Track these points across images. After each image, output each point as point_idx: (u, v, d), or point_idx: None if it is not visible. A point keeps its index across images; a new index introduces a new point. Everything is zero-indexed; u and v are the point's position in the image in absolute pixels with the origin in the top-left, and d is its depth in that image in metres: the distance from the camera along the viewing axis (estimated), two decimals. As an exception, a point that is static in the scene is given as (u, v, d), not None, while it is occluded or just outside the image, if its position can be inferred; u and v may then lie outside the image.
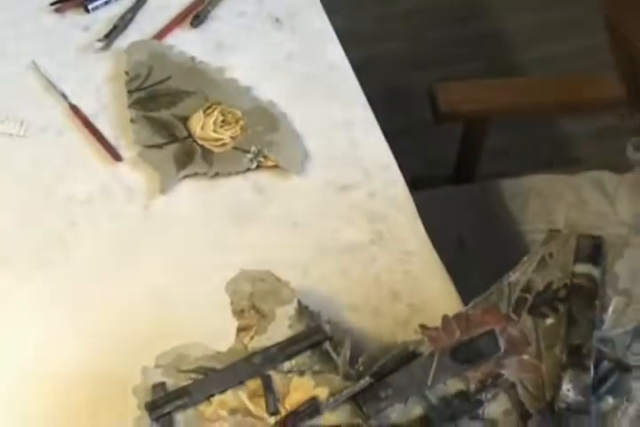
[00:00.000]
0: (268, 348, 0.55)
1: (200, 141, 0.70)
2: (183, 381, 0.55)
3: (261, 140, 0.71)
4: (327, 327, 0.56)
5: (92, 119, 0.73)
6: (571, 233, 0.58)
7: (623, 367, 0.52)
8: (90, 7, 0.79)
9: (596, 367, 0.52)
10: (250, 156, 0.70)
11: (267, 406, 0.53)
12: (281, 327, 0.57)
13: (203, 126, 0.70)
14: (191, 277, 0.65)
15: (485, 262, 0.63)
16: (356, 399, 0.53)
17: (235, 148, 0.70)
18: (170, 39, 0.78)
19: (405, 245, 0.67)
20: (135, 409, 0.54)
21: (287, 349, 0.55)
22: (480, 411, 0.52)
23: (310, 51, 0.78)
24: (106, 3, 0.80)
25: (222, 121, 0.71)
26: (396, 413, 0.53)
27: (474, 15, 1.47)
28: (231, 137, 0.70)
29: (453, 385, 0.53)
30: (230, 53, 0.77)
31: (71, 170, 0.71)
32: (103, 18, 0.79)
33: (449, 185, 0.93)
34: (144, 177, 0.70)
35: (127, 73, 0.74)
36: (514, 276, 0.57)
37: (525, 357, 0.54)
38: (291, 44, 0.79)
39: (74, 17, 0.79)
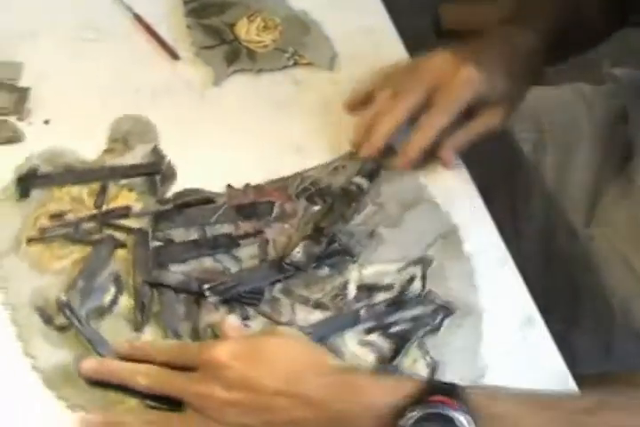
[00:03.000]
0: (116, 166, 0.73)
1: (245, 43, 0.84)
2: (53, 171, 0.73)
3: (297, 42, 0.84)
4: (164, 166, 0.73)
5: (154, 27, 0.85)
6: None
7: (347, 253, 0.68)
8: None
9: (329, 246, 0.69)
10: (287, 55, 0.83)
11: (96, 200, 0.71)
12: (135, 157, 0.74)
13: (247, 31, 0.84)
14: (236, 151, 0.76)
15: (481, 151, 0.74)
16: (156, 216, 0.70)
17: (275, 48, 0.84)
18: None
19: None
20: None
21: (128, 170, 0.72)
22: (234, 251, 0.68)
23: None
24: None
25: (264, 26, 0.85)
26: (178, 233, 0.69)
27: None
28: (271, 40, 0.84)
29: (226, 228, 0.69)
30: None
31: (138, 68, 0.81)
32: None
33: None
34: (199, 72, 0.82)
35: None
36: (310, 172, 0.73)
37: (287, 226, 0.70)
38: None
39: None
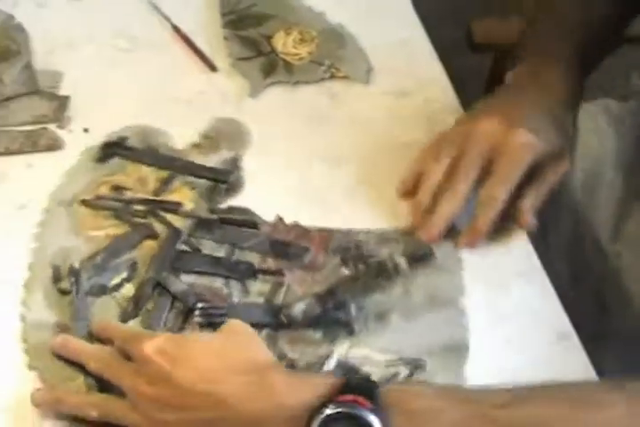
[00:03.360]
0: (192, 163, 0.74)
1: (282, 56, 0.84)
2: (138, 146, 0.76)
3: (333, 55, 0.84)
4: (234, 178, 0.74)
5: (191, 38, 0.85)
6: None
7: (347, 326, 0.65)
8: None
9: (334, 311, 0.66)
10: (324, 68, 0.83)
11: (157, 187, 0.73)
12: (215, 159, 0.75)
13: (284, 43, 0.84)
14: (272, 163, 0.77)
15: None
16: (199, 222, 0.71)
17: (311, 61, 0.84)
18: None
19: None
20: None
21: (201, 170, 0.74)
22: (248, 282, 0.68)
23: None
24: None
25: (300, 39, 0.85)
26: (209, 245, 0.70)
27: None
28: (308, 52, 0.84)
29: (253, 257, 0.69)
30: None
31: (174, 78, 0.82)
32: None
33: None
34: (236, 84, 0.83)
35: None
36: (361, 234, 0.71)
37: (309, 277, 0.69)
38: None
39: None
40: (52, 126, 0.77)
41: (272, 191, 0.74)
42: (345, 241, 0.70)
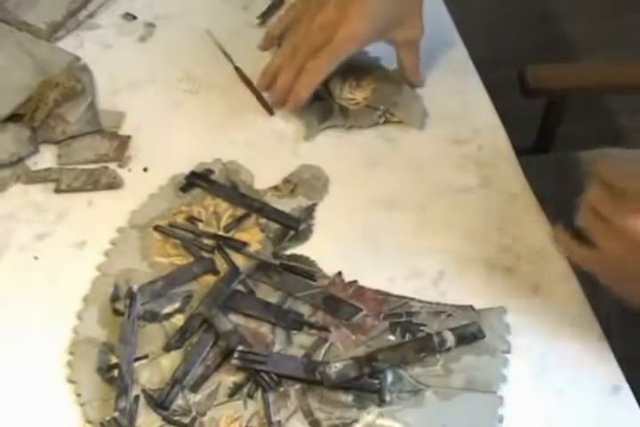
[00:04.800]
0: (268, 205, 0.75)
1: (338, 100, 0.83)
2: (220, 180, 0.78)
3: (388, 101, 0.83)
4: (303, 227, 0.74)
5: (252, 81, 0.84)
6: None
7: (380, 395, 0.64)
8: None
9: (369, 377, 0.65)
10: (379, 113, 0.82)
11: (228, 224, 0.74)
12: (290, 205, 0.75)
13: (340, 89, 0.83)
14: (327, 205, 0.77)
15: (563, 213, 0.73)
16: (260, 264, 0.71)
17: (367, 106, 0.83)
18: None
19: (509, 188, 0.78)
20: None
21: (274, 214, 0.74)
22: (293, 332, 0.68)
23: (427, 32, 0.83)
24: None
25: (356, 85, 0.84)
26: (264, 289, 0.70)
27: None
28: (363, 98, 0.83)
29: (303, 309, 0.69)
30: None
31: (233, 120, 0.82)
32: None
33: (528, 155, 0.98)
34: (292, 127, 0.82)
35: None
36: (417, 303, 0.69)
37: (354, 338, 0.68)
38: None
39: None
40: (112, 165, 0.79)
41: (337, 243, 0.74)
42: (398, 307, 0.69)
